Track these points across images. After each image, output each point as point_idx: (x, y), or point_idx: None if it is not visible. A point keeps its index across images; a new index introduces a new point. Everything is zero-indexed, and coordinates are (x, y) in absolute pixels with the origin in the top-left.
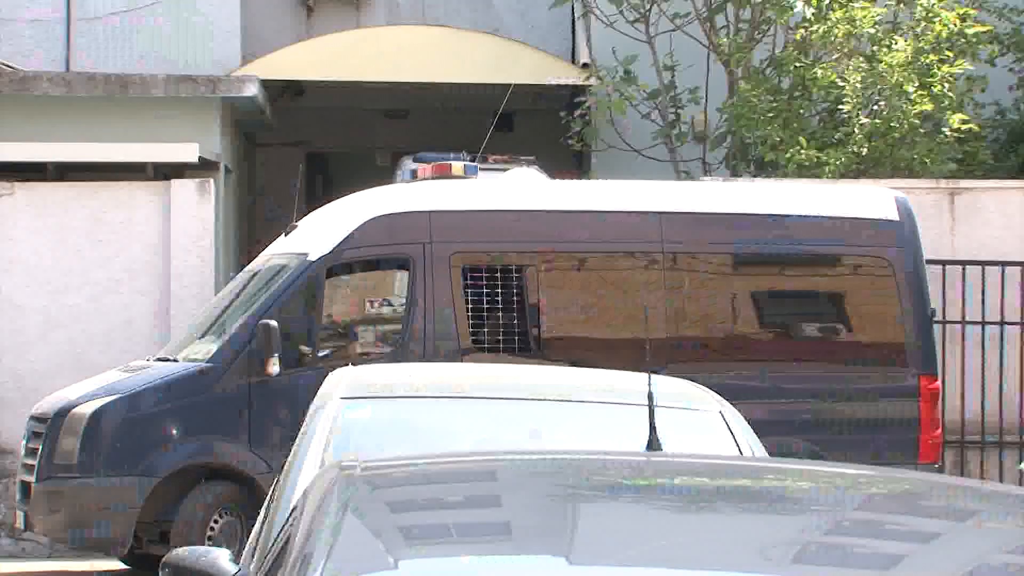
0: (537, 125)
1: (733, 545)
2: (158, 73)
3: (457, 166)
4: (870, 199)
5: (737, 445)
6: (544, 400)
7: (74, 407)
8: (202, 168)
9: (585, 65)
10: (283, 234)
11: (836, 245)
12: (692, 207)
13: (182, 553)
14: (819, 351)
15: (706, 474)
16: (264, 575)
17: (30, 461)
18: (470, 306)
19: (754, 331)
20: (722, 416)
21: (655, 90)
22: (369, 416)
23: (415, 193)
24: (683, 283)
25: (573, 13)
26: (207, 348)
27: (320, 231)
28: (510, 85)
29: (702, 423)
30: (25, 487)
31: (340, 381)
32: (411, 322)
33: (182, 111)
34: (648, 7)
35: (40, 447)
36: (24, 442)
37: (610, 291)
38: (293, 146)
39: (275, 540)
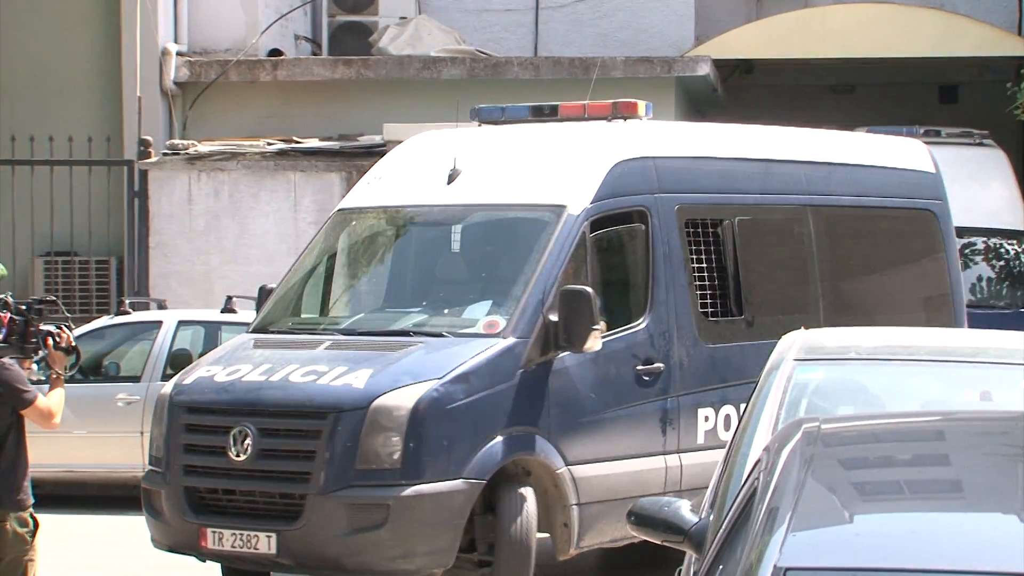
0: (982, 97)
1: None
2: (617, 56)
3: (642, 105)
4: (908, 150)
5: None
6: (995, 364)
7: (375, 398)
8: None
9: None
10: (447, 180)
11: (890, 197)
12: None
13: (646, 503)
14: (882, 303)
15: None
16: (730, 525)
17: (266, 466)
18: (697, 267)
19: (839, 282)
20: None
21: None
22: (821, 377)
23: (635, 137)
24: (832, 240)
25: None
26: (472, 318)
27: (564, 179)
28: (955, 59)
29: None
30: (233, 499)
31: (793, 344)
32: (653, 287)
33: (640, 90)
34: None
35: (322, 448)
36: (240, 443)
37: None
38: (743, 122)
39: (738, 493)
